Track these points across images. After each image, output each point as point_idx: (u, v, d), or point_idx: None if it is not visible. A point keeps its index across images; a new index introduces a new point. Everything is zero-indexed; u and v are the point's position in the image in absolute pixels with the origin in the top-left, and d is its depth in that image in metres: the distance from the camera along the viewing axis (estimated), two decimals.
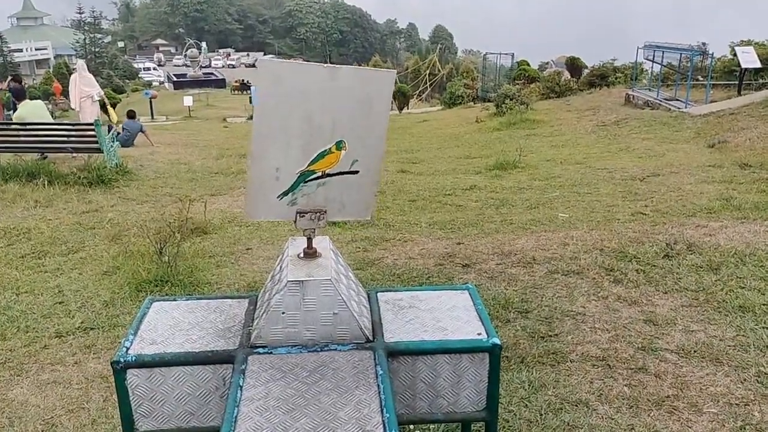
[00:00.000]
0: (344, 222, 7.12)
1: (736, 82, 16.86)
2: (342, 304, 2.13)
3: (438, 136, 17.76)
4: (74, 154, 9.98)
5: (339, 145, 2.21)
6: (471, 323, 2.29)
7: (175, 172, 10.40)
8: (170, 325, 2.31)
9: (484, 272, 4.92)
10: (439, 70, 45.91)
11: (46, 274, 5.57)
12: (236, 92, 48.33)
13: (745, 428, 2.89)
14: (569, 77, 27.04)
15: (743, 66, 15.95)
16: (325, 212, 2.24)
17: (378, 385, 1.95)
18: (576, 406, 3.15)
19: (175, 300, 2.49)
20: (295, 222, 2.25)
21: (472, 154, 13.39)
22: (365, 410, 1.85)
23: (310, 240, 2.27)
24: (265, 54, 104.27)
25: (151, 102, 30.54)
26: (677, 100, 16.89)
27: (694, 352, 3.57)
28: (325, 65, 2.14)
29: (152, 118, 29.06)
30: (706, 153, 11.11)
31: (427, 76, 45.63)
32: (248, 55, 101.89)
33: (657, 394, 3.20)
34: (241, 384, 1.96)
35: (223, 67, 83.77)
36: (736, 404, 3.07)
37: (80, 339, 4.28)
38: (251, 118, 28.42)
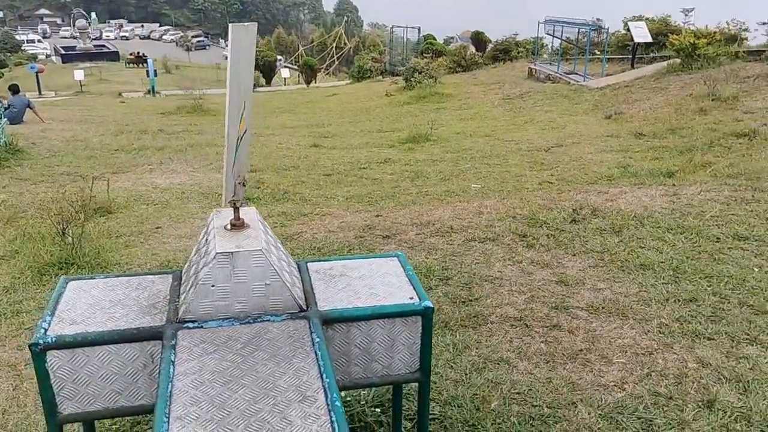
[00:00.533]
0: (259, 197, 7.02)
1: (630, 56, 17.73)
2: (274, 274, 2.11)
3: (349, 110, 17.71)
4: None
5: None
6: (402, 288, 2.33)
7: (72, 149, 9.86)
8: (90, 303, 2.21)
9: (404, 242, 4.98)
10: (345, 44, 45.60)
11: None
12: (131, 66, 46.10)
13: (651, 375, 3.10)
14: (474, 51, 27.58)
15: (636, 40, 16.78)
16: (245, 179, 2.20)
17: (315, 353, 1.95)
18: (498, 364, 3.27)
19: (93, 279, 2.38)
20: (235, 194, 2.20)
21: (384, 128, 13.46)
22: (304, 377, 1.85)
23: (237, 210, 2.22)
24: (161, 25, 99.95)
25: (37, 76, 28.59)
26: (576, 73, 17.59)
27: (602, 308, 3.78)
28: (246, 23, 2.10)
29: (40, 93, 27.27)
30: (603, 124, 11.66)
31: (333, 49, 45.23)
32: (142, 26, 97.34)
33: (571, 348, 3.37)
34: (172, 359, 1.91)
35: (116, 39, 79.58)
36: (642, 354, 3.28)
37: None
38: (149, 92, 27.27)
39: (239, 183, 2.18)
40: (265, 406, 1.73)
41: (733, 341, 3.36)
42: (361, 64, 32.99)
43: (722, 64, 13.50)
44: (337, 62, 45.67)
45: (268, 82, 37.24)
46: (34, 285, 4.62)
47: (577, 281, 4.14)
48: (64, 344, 1.99)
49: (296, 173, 8.48)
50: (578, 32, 19.47)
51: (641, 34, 16.59)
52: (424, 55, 24.70)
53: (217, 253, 2.04)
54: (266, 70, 36.85)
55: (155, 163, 8.97)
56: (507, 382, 3.11)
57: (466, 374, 3.20)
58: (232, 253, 2.06)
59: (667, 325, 3.55)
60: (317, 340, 2.01)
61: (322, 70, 43.27)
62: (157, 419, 1.67)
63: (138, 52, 49.44)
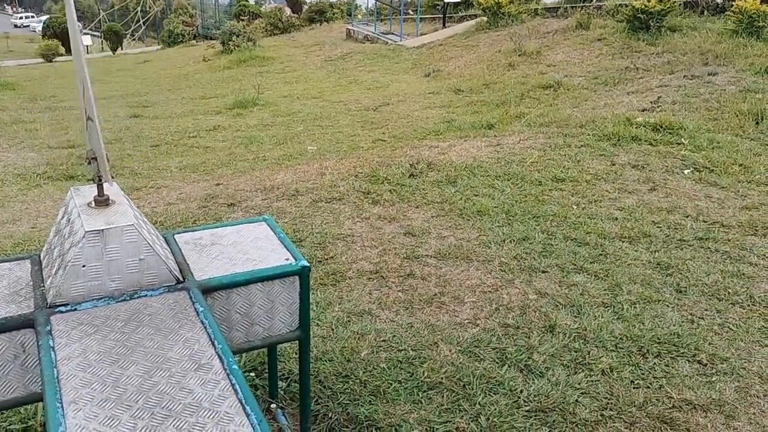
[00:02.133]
0: (84, 173, 6.59)
1: (441, 16, 18.55)
2: (148, 248, 2.07)
3: (166, 77, 16.85)
4: None
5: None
6: (276, 251, 2.39)
7: None
8: None
9: (251, 209, 4.97)
10: (151, 7, 42.90)
11: None
12: None
13: (498, 309, 3.45)
14: (291, 13, 27.25)
15: (446, 0, 17.56)
16: (100, 155, 2.13)
17: (202, 321, 1.97)
18: (361, 316, 3.45)
19: None
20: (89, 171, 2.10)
21: (207, 94, 13.02)
22: (195, 346, 1.87)
23: (100, 186, 2.14)
24: None
25: None
26: (392, 34, 18.09)
27: (449, 254, 4.09)
28: None
29: None
30: (424, 82, 12.20)
31: (139, 13, 42.38)
32: None
33: (426, 293, 3.63)
34: (51, 345, 1.83)
35: None
36: (489, 291, 3.63)
37: None
38: None
39: (90, 159, 2.10)
40: (160, 379, 1.74)
41: (563, 272, 3.82)
42: (172, 29, 31.34)
43: (524, 21, 14.61)
44: (143, 27, 42.91)
45: (69, 52, 34.17)
46: None
47: (423, 231, 4.42)
48: None
49: (120, 146, 8.01)
50: None
51: None
52: (240, 18, 24.02)
53: (86, 231, 1.97)
54: (65, 37, 33.70)
55: None
56: (372, 332, 3.29)
57: (332, 329, 3.34)
58: (102, 230, 1.99)
59: (506, 263, 3.93)
60: (201, 309, 2.03)
61: (128, 36, 40.47)
62: (49, 406, 1.62)
63: None
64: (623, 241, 4.22)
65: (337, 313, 3.48)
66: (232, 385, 1.71)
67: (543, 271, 3.83)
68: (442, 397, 2.80)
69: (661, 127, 6.48)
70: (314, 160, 6.76)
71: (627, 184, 5.20)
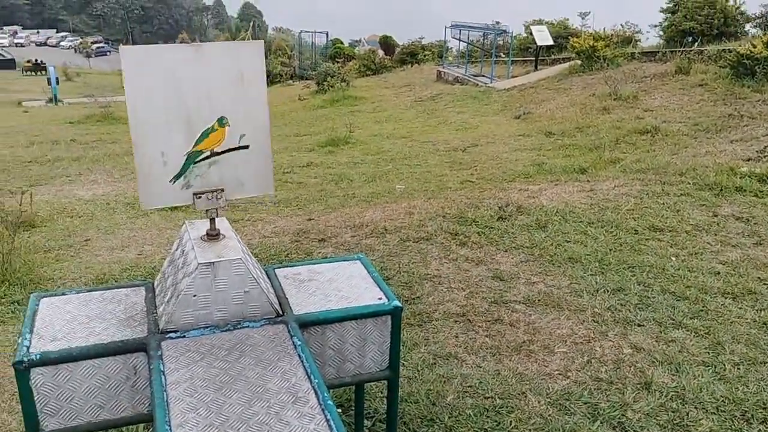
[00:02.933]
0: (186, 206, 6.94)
1: (533, 58, 18.55)
2: (253, 282, 2.19)
3: None
4: None
5: (221, 122, 2.23)
6: (370, 290, 2.46)
7: None
8: (67, 320, 2.21)
9: (340, 245, 5.10)
10: None
11: None
12: (29, 73, 43.72)
13: (591, 362, 3.37)
14: (383, 55, 27.95)
15: (539, 43, 17.57)
16: (223, 191, 2.27)
17: (299, 355, 2.05)
18: (447, 359, 3.46)
19: (65, 294, 2.38)
20: (193, 204, 2.25)
21: (301, 132, 13.48)
22: (293, 379, 1.95)
23: (213, 221, 2.28)
24: (57, 31, 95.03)
25: None
26: (483, 75, 18.22)
27: (539, 300, 4.05)
28: (191, 44, 2.17)
29: None
30: (514, 124, 12.18)
31: None
32: (38, 32, 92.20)
33: (514, 340, 3.60)
34: (162, 369, 1.96)
35: (10, 46, 75.08)
36: (581, 342, 3.55)
37: None
38: (52, 101, 25.97)
39: (216, 197, 2.25)
40: (260, 409, 1.82)
41: (660, 326, 3.70)
42: (271, 69, 32.71)
43: (620, 64, 14.39)
44: None
45: None
46: None
47: (512, 276, 4.40)
48: (48, 361, 2.00)
49: None
50: (483, 36, 20.16)
51: (543, 37, 17.40)
52: (336, 59, 24.83)
53: (199, 263, 2.11)
54: None
55: (74, 174, 8.66)
56: (458, 376, 3.29)
57: (418, 371, 3.36)
58: (213, 263, 2.12)
59: (599, 314, 3.85)
60: (299, 343, 2.11)
61: None
62: (159, 428, 1.73)
63: (35, 59, 46.91)
64: (726, 297, 4.04)
65: (423, 355, 3.50)
66: (327, 420, 1.77)
67: (639, 325, 3.72)
68: None
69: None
70: (402, 198, 6.86)
71: (730, 237, 4.99)
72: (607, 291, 4.15)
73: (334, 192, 7.64)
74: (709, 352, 3.44)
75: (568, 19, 22.50)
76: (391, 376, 2.45)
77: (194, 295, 2.12)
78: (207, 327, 2.16)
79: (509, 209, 5.63)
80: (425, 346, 3.59)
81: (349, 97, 18.27)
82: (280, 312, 2.25)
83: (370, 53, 27.27)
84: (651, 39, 20.25)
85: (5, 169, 9.08)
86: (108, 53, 79.08)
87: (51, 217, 6.49)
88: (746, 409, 2.98)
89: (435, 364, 3.41)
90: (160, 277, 2.40)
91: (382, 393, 3.22)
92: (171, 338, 2.11)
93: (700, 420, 2.91)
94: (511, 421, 2.91)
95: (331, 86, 19.62)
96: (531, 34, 19.12)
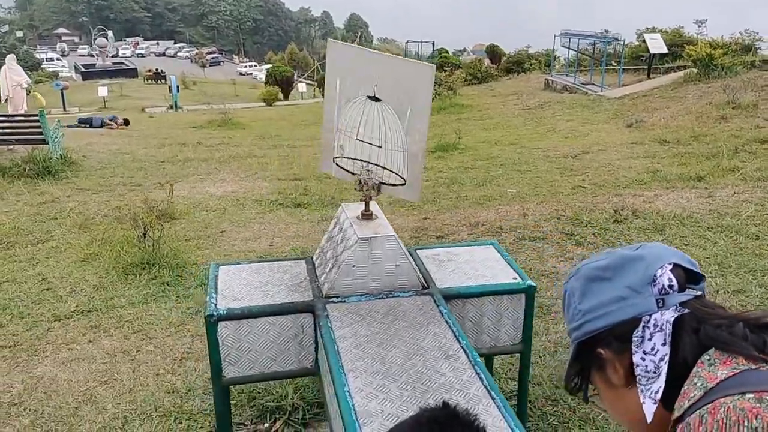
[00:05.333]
0: (309, 203, 7.41)
1: (645, 67, 18.09)
2: (403, 256, 2.48)
3: None
4: (11, 147, 9.73)
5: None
6: (505, 271, 2.69)
7: (121, 161, 10.30)
8: (244, 284, 2.59)
9: (458, 242, 5.35)
10: None
11: (21, 264, 5.58)
12: (150, 82, 46.86)
13: None
14: (490, 64, 27.99)
15: (652, 51, 17.14)
16: (380, 185, 2.57)
17: (446, 321, 2.32)
18: (567, 347, 3.62)
19: (239, 264, 2.76)
20: (354, 185, 2.57)
21: None
22: (443, 340, 2.21)
23: (367, 203, 2.59)
24: (175, 42, 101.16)
25: (62, 93, 29.26)
26: (593, 84, 17.95)
27: None
28: (389, 54, 2.49)
29: (64, 109, 27.89)
30: (625, 132, 11.98)
31: None
32: (158, 43, 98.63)
33: None
34: (330, 326, 2.28)
35: (132, 56, 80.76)
36: None
37: (82, 321, 4.41)
38: (172, 107, 27.82)
39: (375, 185, 2.55)
40: (417, 362, 2.10)
41: None
42: None
43: (738, 73, 13.83)
44: None
45: (286, 97, 37.76)
46: (121, 283, 5.01)
47: None
48: (233, 316, 2.37)
49: (338, 181, 8.86)
50: (593, 44, 19.85)
51: (657, 46, 16.95)
52: (443, 69, 25.12)
53: (359, 238, 2.42)
54: (284, 85, 37.34)
55: (203, 173, 9.39)
56: (558, 363, 3.45)
57: (540, 357, 3.55)
58: (370, 238, 2.43)
59: None
60: (445, 311, 2.38)
61: None
62: (334, 371, 2.04)
63: (156, 69, 50.22)
64: None
65: (543, 343, 3.68)
66: (477, 373, 2.02)
67: None
68: None
69: None
70: (514, 201, 7.02)
71: None
72: (728, 292, 4.16)
73: (446, 194, 7.89)
74: None
75: (682, 27, 21.74)
76: (524, 350, 2.67)
77: (353, 266, 2.44)
78: (363, 294, 2.47)
79: (625, 213, 5.68)
80: (546, 335, 3.77)
81: (456, 105, 18.50)
82: (425, 285, 2.53)
83: (477, 62, 27.41)
84: None
85: (142, 168, 9.95)
86: (221, 63, 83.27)
87: (188, 211, 7.12)
88: None
89: (555, 351, 3.59)
90: (318, 252, 2.74)
91: (503, 372, 3.44)
92: (333, 302, 2.43)
93: None
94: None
95: (438, 95, 19.91)
96: (644, 42, 18.65)
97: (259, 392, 3.28)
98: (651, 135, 10.94)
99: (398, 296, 2.47)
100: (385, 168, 2.53)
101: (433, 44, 32.78)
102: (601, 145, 10.66)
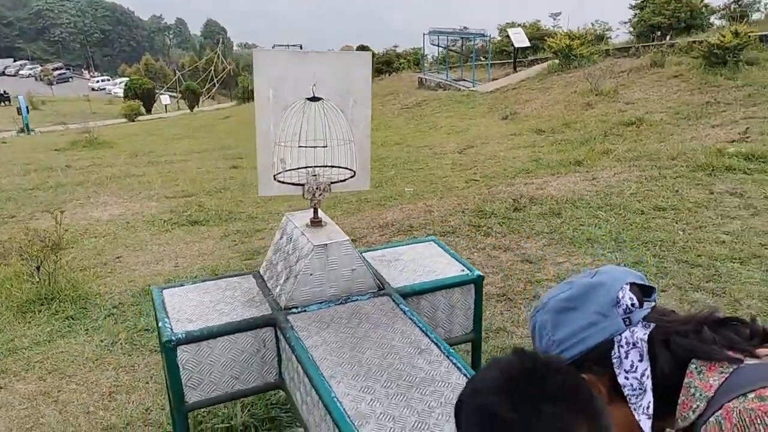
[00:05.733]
0: (206, 219, 7.19)
1: (511, 60, 19.08)
2: (359, 260, 2.50)
3: (251, 130, 17.78)
4: None
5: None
6: (451, 264, 2.78)
7: None
8: (194, 305, 2.50)
9: (372, 244, 5.41)
10: (224, 66, 45.20)
11: None
12: None
13: None
14: None
15: (516, 45, 18.10)
16: (330, 185, 2.58)
17: (410, 318, 2.37)
18: (498, 332, 3.79)
19: (182, 285, 2.66)
20: (303, 194, 2.56)
21: None
22: (412, 337, 2.26)
23: (316, 210, 2.59)
24: (15, 60, 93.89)
25: None
26: (464, 80, 18.69)
27: (566, 278, 4.39)
28: (316, 51, 2.49)
29: None
30: (502, 124, 12.60)
31: (213, 72, 44.69)
32: None
33: None
34: (298, 336, 2.26)
35: None
36: None
37: None
38: (23, 130, 25.82)
39: (324, 189, 2.55)
40: (393, 360, 2.13)
41: (681, 290, 4.07)
42: (246, 85, 32.95)
43: (596, 61, 14.94)
44: (217, 85, 45.16)
45: (149, 111, 36.27)
46: (19, 323, 4.64)
47: (539, 258, 4.75)
48: (192, 338, 2.29)
49: (231, 194, 8.67)
50: (461, 41, 20.67)
51: (520, 39, 17.93)
52: None
53: (314, 245, 2.41)
54: (145, 98, 35.86)
55: (82, 198, 8.84)
56: (511, 347, 3.61)
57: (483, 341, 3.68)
58: (326, 244, 2.43)
59: None
60: (406, 309, 2.43)
61: (203, 94, 42.65)
62: (316, 380, 2.02)
63: None
64: (734, 262, 4.43)
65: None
66: (454, 364, 2.09)
67: (662, 290, 4.09)
68: None
69: (754, 156, 6.65)
70: (414, 200, 7.19)
71: (728, 210, 5.41)
72: (627, 264, 4.50)
73: (346, 198, 7.94)
74: (729, 308, 3.82)
75: (539, 21, 23.15)
76: (476, 338, 2.77)
77: (311, 274, 2.43)
78: (323, 302, 2.46)
79: (523, 201, 5.99)
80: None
81: None
82: (381, 286, 2.56)
83: None
84: (621, 35, 20.93)
85: (11, 198, 9.21)
86: (70, 79, 78.27)
87: (76, 239, 6.68)
88: None
89: (488, 337, 3.73)
90: (266, 265, 2.70)
91: None
92: (294, 313, 2.40)
93: None
94: None
95: None
96: (507, 36, 19.65)
97: (204, 416, 3.17)
98: (527, 125, 11.57)
99: (357, 300, 2.49)
100: (333, 166, 2.53)
101: (301, 47, 32.72)
102: (483, 139, 11.14)
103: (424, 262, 2.82)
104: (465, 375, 2.02)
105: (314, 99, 2.45)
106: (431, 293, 2.62)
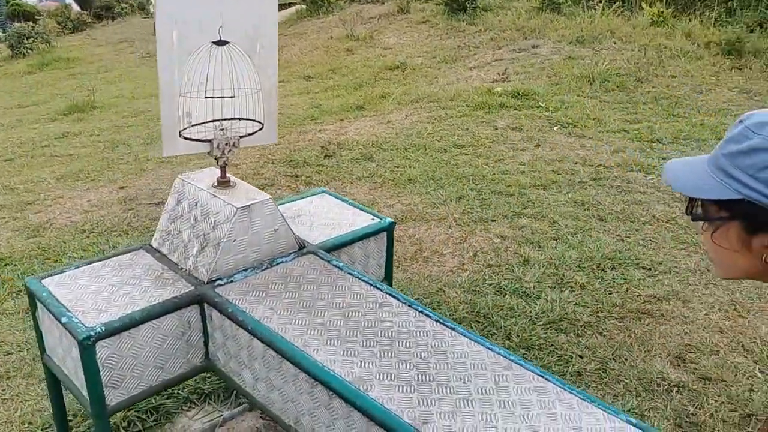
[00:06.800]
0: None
1: None
2: (281, 220, 2.30)
3: None
4: None
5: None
6: (358, 215, 2.69)
7: None
8: (93, 292, 2.09)
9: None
10: None
11: None
12: None
13: (477, 254, 3.98)
14: (80, 10, 25.39)
15: None
16: (239, 139, 2.30)
17: (350, 274, 2.25)
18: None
19: (63, 272, 2.20)
20: (211, 151, 2.25)
21: (23, 102, 11.96)
22: (363, 292, 2.16)
23: (224, 169, 2.30)
24: None
25: None
26: None
27: (406, 218, 4.53)
28: None
29: None
30: None
31: None
32: None
33: (406, 252, 4.06)
34: (243, 309, 2.02)
35: None
36: (459, 242, 4.14)
37: None
38: None
39: (233, 144, 2.26)
40: (359, 318, 2.02)
41: (507, 218, 4.45)
42: None
43: (343, 8, 15.21)
44: None
45: None
46: None
47: (371, 202, 4.81)
48: (114, 330, 1.94)
49: None
50: None
51: None
52: (35, 19, 21.81)
53: (237, 208, 2.15)
54: None
55: None
56: None
57: None
58: (249, 206, 2.19)
59: (459, 218, 4.48)
60: (341, 264, 2.31)
61: None
62: (291, 353, 1.85)
63: None
64: (538, 189, 4.96)
65: None
66: (421, 312, 2.05)
67: (492, 220, 4.43)
68: (472, 326, 3.27)
69: (519, 94, 7.42)
70: (202, 156, 6.75)
71: (516, 143, 6.00)
72: (453, 200, 4.80)
73: (119, 159, 7.17)
74: (551, 229, 4.29)
75: None
76: (389, 284, 2.74)
77: (234, 240, 2.17)
78: (246, 269, 2.23)
79: (331, 147, 5.98)
80: None
81: (60, 59, 16.42)
82: (302, 245, 2.39)
83: (64, 9, 24.49)
84: None
85: None
86: None
87: None
88: (598, 262, 3.85)
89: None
90: (162, 236, 2.35)
91: None
92: (221, 285, 2.14)
93: (573, 277, 3.70)
94: (445, 311, 3.39)
95: (31, 49, 17.41)
96: None
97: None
98: (292, 72, 11.44)
99: (282, 262, 2.29)
100: (241, 119, 2.26)
101: None
102: None
103: (329, 214, 2.68)
104: (437, 321, 2.00)
105: (221, 43, 2.14)
106: (350, 245, 2.52)
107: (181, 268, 2.22)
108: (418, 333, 1.95)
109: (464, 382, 1.73)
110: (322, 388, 1.77)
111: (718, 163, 1.04)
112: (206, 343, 2.17)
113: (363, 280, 2.21)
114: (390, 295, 2.14)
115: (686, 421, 2.65)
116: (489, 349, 1.87)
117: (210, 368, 2.22)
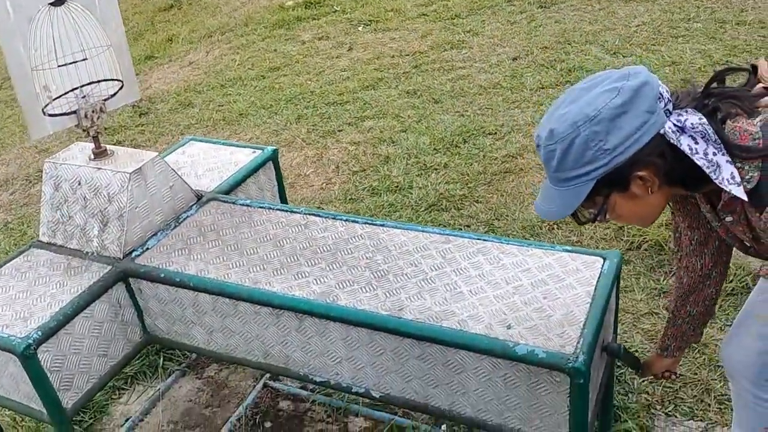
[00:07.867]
0: None
1: None
2: (173, 175, 2.21)
3: None
4: None
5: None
6: (237, 152, 2.64)
7: None
8: (5, 304, 1.92)
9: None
10: None
11: None
12: None
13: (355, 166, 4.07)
14: None
15: None
16: (105, 102, 2.14)
17: (260, 206, 2.25)
18: None
19: None
20: (79, 123, 2.08)
21: None
22: (282, 220, 2.17)
23: (97, 138, 2.14)
24: None
25: None
26: None
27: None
28: None
29: None
30: None
31: None
32: None
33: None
34: (176, 270, 1.96)
35: None
36: (341, 158, 4.20)
37: None
38: None
39: (101, 110, 2.10)
40: (293, 244, 2.05)
41: (352, 125, 4.56)
42: None
43: None
44: None
45: None
46: None
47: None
48: (50, 332, 1.83)
49: None
50: None
51: None
52: None
53: (129, 173, 2.04)
54: None
55: None
56: None
57: None
58: (140, 168, 2.08)
59: (306, 137, 4.52)
60: (248, 201, 2.30)
61: None
62: (243, 291, 1.85)
63: None
64: (369, 90, 5.08)
65: None
66: (346, 221, 2.13)
67: (339, 131, 4.52)
68: None
69: (311, 3, 7.36)
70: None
71: (329, 52, 6.03)
72: (292, 122, 4.80)
73: None
74: (397, 123, 4.45)
75: None
76: None
77: (136, 207, 2.08)
78: (156, 233, 2.15)
79: (143, 104, 5.63)
80: None
81: None
82: (200, 195, 2.33)
83: None
84: None
85: None
86: None
87: None
88: (450, 140, 4.11)
89: None
90: (50, 227, 2.17)
91: None
92: (139, 255, 2.06)
93: (434, 159, 3.93)
94: None
95: None
96: None
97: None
98: None
99: (189, 216, 2.23)
100: (99, 81, 2.10)
101: None
102: None
103: (209, 159, 2.61)
104: (366, 224, 2.09)
105: (58, 2, 1.95)
106: (244, 183, 2.49)
107: (87, 252, 2.09)
108: (353, 239, 2.03)
109: (416, 266, 1.87)
110: (289, 314, 1.81)
111: (559, 180, 1.25)
112: (141, 317, 2.10)
113: (277, 209, 2.23)
114: (310, 214, 2.18)
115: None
116: (423, 231, 2.01)
117: (151, 341, 2.15)
